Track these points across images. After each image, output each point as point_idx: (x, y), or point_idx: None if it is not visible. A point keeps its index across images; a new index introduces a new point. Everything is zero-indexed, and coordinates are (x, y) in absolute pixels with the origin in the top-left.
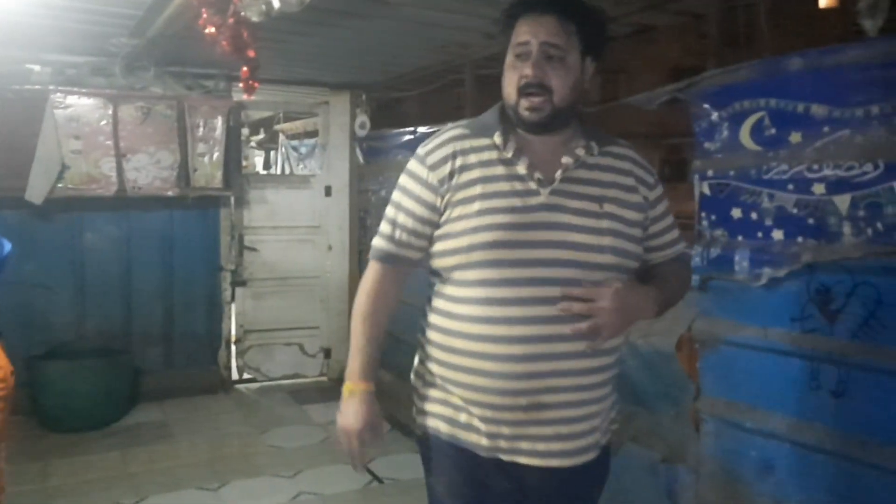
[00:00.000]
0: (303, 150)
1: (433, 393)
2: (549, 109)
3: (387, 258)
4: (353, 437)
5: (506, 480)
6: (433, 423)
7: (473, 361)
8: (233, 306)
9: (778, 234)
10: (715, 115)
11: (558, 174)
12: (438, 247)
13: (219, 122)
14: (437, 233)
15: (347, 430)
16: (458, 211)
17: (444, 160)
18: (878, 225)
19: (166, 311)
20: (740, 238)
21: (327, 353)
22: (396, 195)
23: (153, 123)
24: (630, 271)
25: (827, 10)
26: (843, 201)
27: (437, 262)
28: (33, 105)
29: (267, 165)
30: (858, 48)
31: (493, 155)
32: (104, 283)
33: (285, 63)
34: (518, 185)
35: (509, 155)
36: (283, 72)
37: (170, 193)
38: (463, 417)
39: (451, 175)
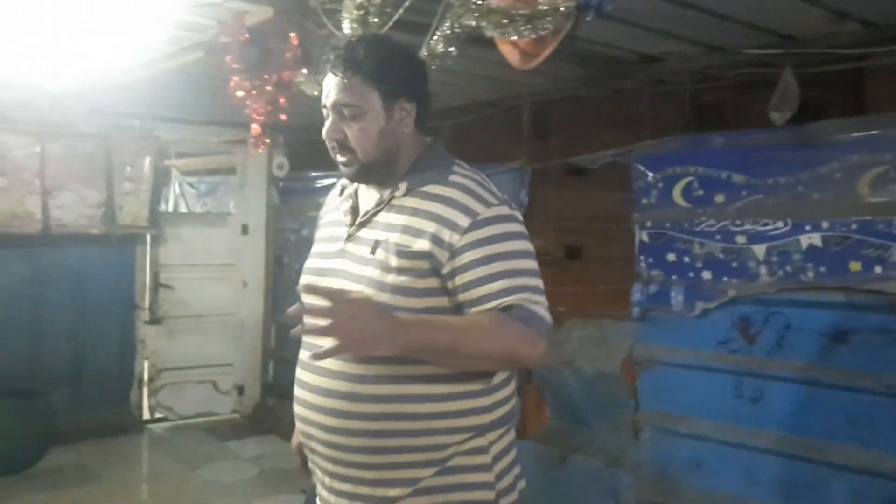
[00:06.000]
0: (202, 187)
1: None
2: (356, 166)
3: None
4: None
5: None
6: None
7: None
8: (146, 344)
9: (707, 275)
10: (650, 177)
11: (359, 219)
12: None
13: (146, 162)
14: None
15: None
16: None
17: (320, 216)
18: (787, 268)
19: (77, 351)
20: (674, 277)
21: (240, 389)
22: None
23: (79, 161)
24: None
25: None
26: (760, 249)
27: None
28: None
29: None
30: (770, 133)
31: (337, 203)
32: (12, 322)
33: (209, 103)
34: (336, 231)
35: (343, 203)
36: (207, 112)
37: (94, 231)
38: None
39: (318, 227)
